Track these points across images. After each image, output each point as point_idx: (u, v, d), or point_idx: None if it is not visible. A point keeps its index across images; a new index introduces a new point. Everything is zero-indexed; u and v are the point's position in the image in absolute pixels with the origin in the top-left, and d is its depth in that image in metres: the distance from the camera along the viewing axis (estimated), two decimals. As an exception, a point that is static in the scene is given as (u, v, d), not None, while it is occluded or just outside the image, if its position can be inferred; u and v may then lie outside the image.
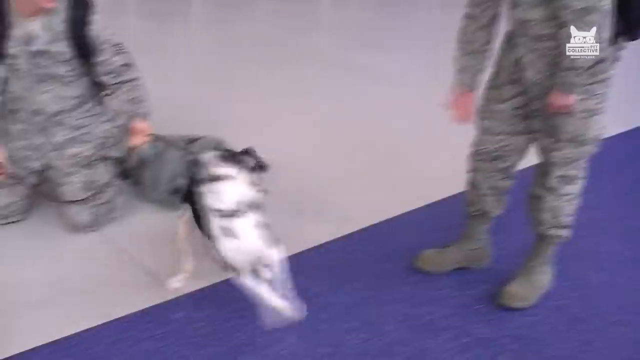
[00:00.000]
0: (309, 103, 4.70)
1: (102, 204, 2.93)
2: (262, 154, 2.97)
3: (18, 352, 2.22)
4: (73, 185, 2.90)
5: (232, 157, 2.42)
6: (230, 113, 4.34)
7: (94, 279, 2.63)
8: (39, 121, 2.84)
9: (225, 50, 6.13)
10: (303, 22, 7.45)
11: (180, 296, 2.54)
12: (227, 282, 2.37)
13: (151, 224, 2.96)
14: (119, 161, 2.86)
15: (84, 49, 2.68)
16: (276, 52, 5.97)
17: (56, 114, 2.83)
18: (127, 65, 2.79)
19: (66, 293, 2.54)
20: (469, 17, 2.42)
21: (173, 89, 4.59)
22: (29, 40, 2.66)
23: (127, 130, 2.74)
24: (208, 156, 2.37)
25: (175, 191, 2.76)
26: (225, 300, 2.50)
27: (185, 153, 2.82)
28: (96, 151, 2.89)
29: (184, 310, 2.47)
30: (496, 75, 2.48)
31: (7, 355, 2.20)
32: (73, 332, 2.32)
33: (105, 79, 2.78)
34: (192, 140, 2.86)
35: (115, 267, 2.71)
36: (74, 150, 2.88)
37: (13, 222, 2.97)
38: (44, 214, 3.05)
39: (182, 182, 2.74)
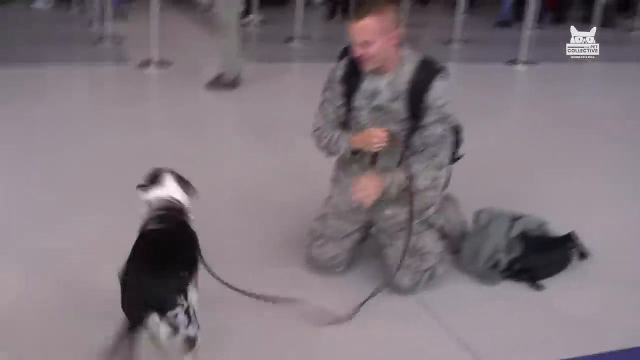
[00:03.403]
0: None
1: (424, 270, 2.89)
2: (588, 238, 3.23)
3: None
4: (397, 248, 2.88)
5: None
6: (558, 191, 4.17)
7: (402, 341, 2.66)
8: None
9: (561, 124, 5.84)
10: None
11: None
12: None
13: (469, 294, 2.99)
14: (443, 229, 2.99)
15: (417, 111, 2.73)
16: (610, 131, 5.68)
17: (385, 169, 2.86)
18: (442, 137, 2.76)
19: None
20: None
21: (500, 159, 4.64)
22: (373, 95, 2.81)
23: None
24: None
25: (495, 266, 2.89)
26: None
27: (509, 229, 2.95)
28: (415, 217, 2.88)
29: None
30: None
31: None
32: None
33: (418, 143, 2.78)
34: (517, 218, 3.04)
35: (427, 334, 2.72)
36: (390, 212, 2.89)
37: (334, 272, 3.02)
38: (365, 269, 3.10)
39: (502, 257, 2.88)
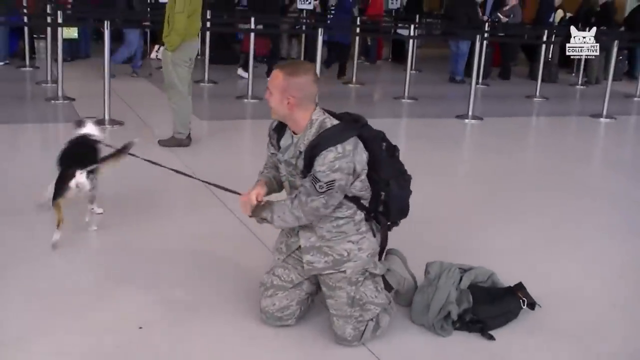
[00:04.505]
0: (584, 236, 4.54)
1: (367, 320, 2.91)
2: (536, 288, 3.28)
3: None
4: (338, 299, 2.92)
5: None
6: (504, 243, 4.25)
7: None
8: None
9: (507, 176, 6.02)
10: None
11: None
12: None
13: (422, 346, 3.00)
14: (383, 278, 3.06)
15: (308, 171, 2.87)
16: (551, 182, 5.88)
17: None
18: (308, 196, 2.83)
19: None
20: None
21: (446, 211, 4.75)
22: (286, 150, 2.99)
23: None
24: None
25: (446, 317, 2.94)
26: None
27: (459, 281, 3.02)
28: (330, 266, 2.92)
29: None
30: None
31: None
32: None
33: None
34: (466, 270, 3.11)
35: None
36: (309, 257, 2.95)
37: (285, 325, 3.01)
38: (315, 322, 3.10)
39: (453, 308, 2.94)
